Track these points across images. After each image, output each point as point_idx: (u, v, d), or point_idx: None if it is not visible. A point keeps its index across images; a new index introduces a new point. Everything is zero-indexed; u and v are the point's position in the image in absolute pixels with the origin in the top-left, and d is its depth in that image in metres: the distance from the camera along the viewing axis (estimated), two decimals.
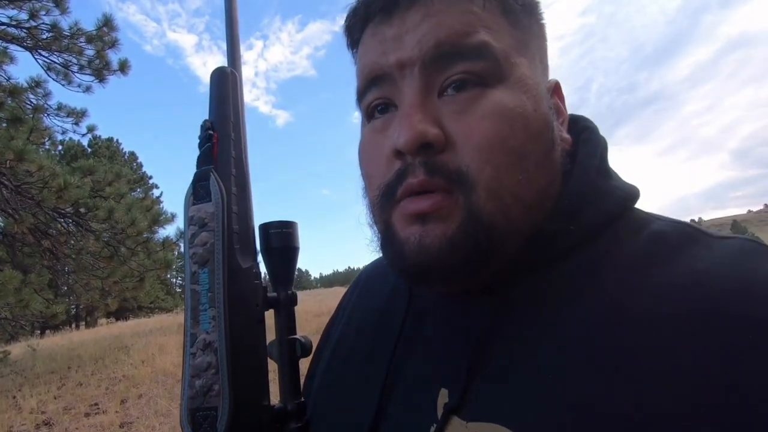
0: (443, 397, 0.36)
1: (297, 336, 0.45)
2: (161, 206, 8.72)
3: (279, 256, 0.45)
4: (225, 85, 0.46)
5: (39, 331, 19.08)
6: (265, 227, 0.45)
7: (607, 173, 0.40)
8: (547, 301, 0.35)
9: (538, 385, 0.30)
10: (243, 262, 0.40)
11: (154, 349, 9.65)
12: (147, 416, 5.52)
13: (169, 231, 7.51)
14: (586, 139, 0.42)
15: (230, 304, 0.37)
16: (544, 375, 0.31)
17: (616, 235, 0.36)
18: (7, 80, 5.46)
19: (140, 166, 24.61)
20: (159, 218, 6.77)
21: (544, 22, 0.42)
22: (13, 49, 6.09)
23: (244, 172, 0.44)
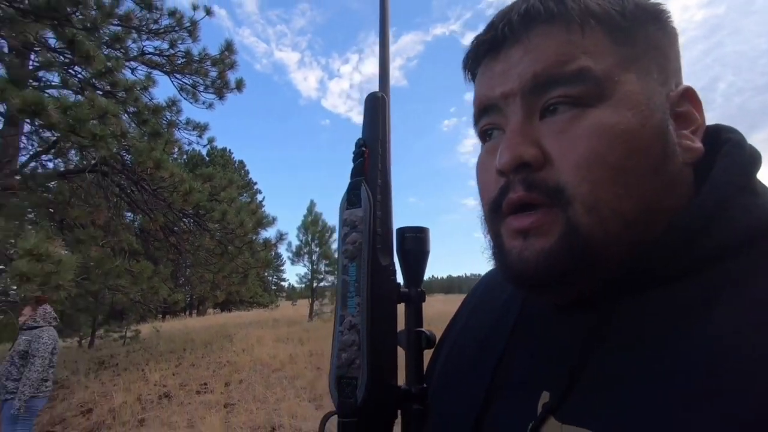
0: (544, 398, 0.38)
1: (423, 329, 0.50)
2: (263, 210, 9.60)
3: (412, 258, 0.51)
4: (376, 108, 0.53)
5: (161, 315, 21.93)
6: (401, 231, 0.51)
7: (753, 191, 0.38)
8: (660, 318, 0.35)
9: (638, 398, 0.31)
10: (383, 260, 0.47)
11: (253, 340, 10.56)
12: (246, 400, 6.06)
13: (270, 233, 8.24)
14: (726, 152, 0.40)
15: (371, 295, 0.44)
16: (645, 389, 0.31)
17: (755, 258, 0.34)
18: (150, 100, 6.50)
19: (247, 173, 27.28)
20: (263, 221, 7.46)
21: (669, 27, 0.42)
22: (155, 73, 7.25)
23: (387, 182, 0.51)
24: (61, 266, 4.21)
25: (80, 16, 4.42)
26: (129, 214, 9.06)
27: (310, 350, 9.34)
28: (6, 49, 5.20)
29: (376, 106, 0.53)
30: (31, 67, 5.50)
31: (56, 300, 4.63)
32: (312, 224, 15.21)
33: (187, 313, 26.66)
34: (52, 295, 4.37)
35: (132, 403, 6.33)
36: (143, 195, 6.74)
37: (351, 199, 0.48)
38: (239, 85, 7.06)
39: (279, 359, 8.36)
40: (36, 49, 5.08)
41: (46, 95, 4.17)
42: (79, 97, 5.35)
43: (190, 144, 8.13)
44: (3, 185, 5.52)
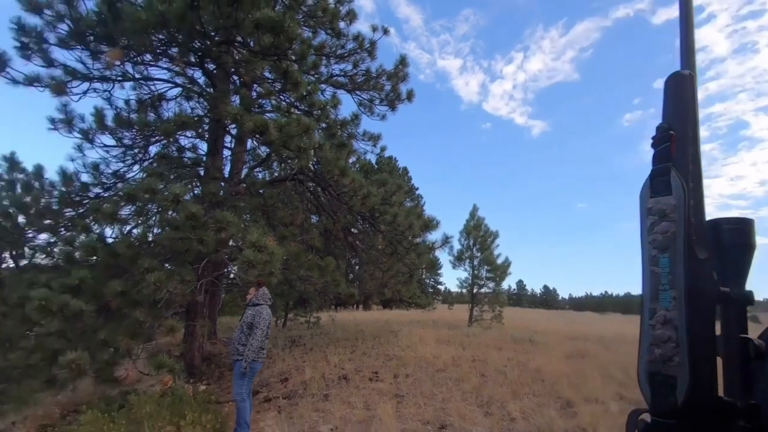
0: None
1: (749, 336, 0.43)
2: (426, 215, 9.97)
3: (734, 252, 0.45)
4: (683, 88, 0.49)
5: (334, 306, 24.75)
6: (717, 223, 0.46)
7: None
8: None
9: None
10: (700, 253, 0.42)
11: (415, 338, 11.00)
12: (414, 394, 6.32)
13: (435, 236, 8.49)
14: None
15: (688, 290, 0.40)
16: None
17: None
18: (335, 117, 7.46)
19: (410, 179, 28.81)
20: (429, 224, 7.75)
21: None
22: (338, 92, 8.28)
23: (699, 168, 0.46)
24: (273, 257, 5.13)
25: (291, 51, 5.41)
26: (314, 216, 10.56)
27: (472, 355, 9.24)
28: (238, 84, 6.70)
29: (683, 86, 0.49)
30: (253, 96, 6.97)
31: (269, 284, 5.67)
32: (474, 229, 15.09)
33: (355, 306, 29.50)
34: (266, 279, 5.36)
35: (318, 379, 7.25)
36: (329, 199, 7.75)
37: (656, 186, 0.45)
38: (410, 96, 7.52)
39: (442, 360, 8.50)
40: (258, 81, 6.44)
41: (265, 118, 5.18)
42: (284, 118, 6.49)
43: (365, 153, 9.01)
44: (234, 191, 7.05)
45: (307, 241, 7.78)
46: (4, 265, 10.12)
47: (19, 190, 9.63)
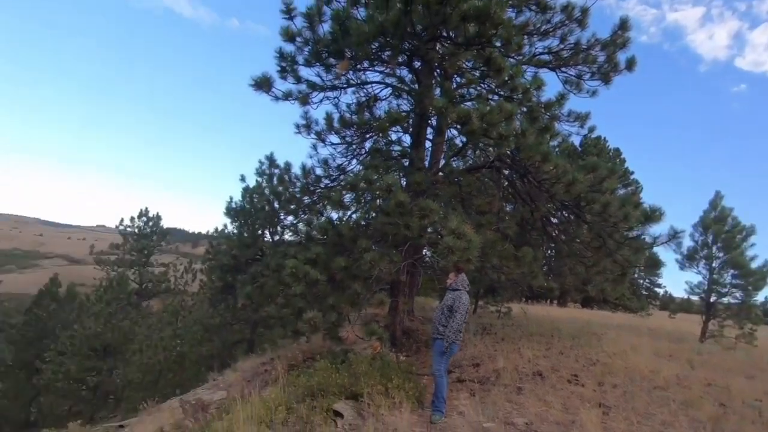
0: None
1: None
2: (643, 203, 8.43)
3: None
4: None
5: (525, 299, 23.70)
6: None
7: None
8: None
9: None
10: None
11: (625, 346, 9.59)
12: (624, 408, 5.56)
13: (658, 229, 7.12)
14: None
15: None
16: None
17: None
18: (538, 99, 6.98)
19: (623, 161, 24.82)
20: (651, 215, 6.56)
21: None
22: (541, 72, 7.70)
23: None
24: (471, 244, 5.24)
25: (495, 37, 5.34)
26: (508, 204, 10.23)
27: (705, 378, 7.51)
28: (439, 78, 7.00)
29: None
30: (453, 87, 7.19)
31: (466, 270, 5.83)
32: (716, 222, 11.96)
33: (548, 301, 27.59)
34: (464, 265, 5.52)
35: (510, 371, 7.12)
36: (527, 187, 7.39)
37: None
38: (630, 65, 6.42)
39: (662, 376, 7.18)
40: (459, 72, 6.60)
41: (468, 107, 5.28)
42: (485, 106, 6.46)
43: (569, 135, 8.20)
44: (433, 180, 7.46)
45: (502, 230, 7.64)
46: (266, 240, 13.38)
47: (275, 182, 12.49)
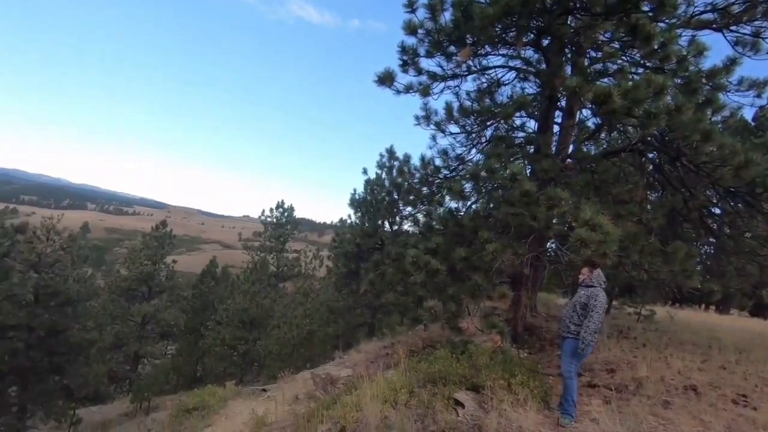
0: None
1: None
2: None
3: None
4: None
5: (670, 302, 20.51)
6: None
7: None
8: None
9: None
10: None
11: None
12: None
13: None
14: None
15: None
16: None
17: None
18: (697, 67, 5.89)
19: None
20: None
21: None
22: (702, 34, 6.47)
23: None
24: (608, 237, 4.73)
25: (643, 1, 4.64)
26: (653, 192, 8.91)
27: None
28: (570, 56, 6.39)
29: None
30: (586, 64, 6.49)
31: (602, 266, 5.28)
32: None
33: (703, 306, 23.48)
34: (600, 260, 5.01)
35: (655, 381, 6.28)
36: (680, 171, 6.35)
37: None
38: None
39: None
40: (596, 46, 5.92)
41: (607, 84, 4.71)
42: (627, 82, 5.69)
43: (740, 108, 6.78)
44: (563, 167, 6.88)
45: (646, 222, 6.72)
46: (386, 229, 13.98)
47: (394, 173, 12.92)
